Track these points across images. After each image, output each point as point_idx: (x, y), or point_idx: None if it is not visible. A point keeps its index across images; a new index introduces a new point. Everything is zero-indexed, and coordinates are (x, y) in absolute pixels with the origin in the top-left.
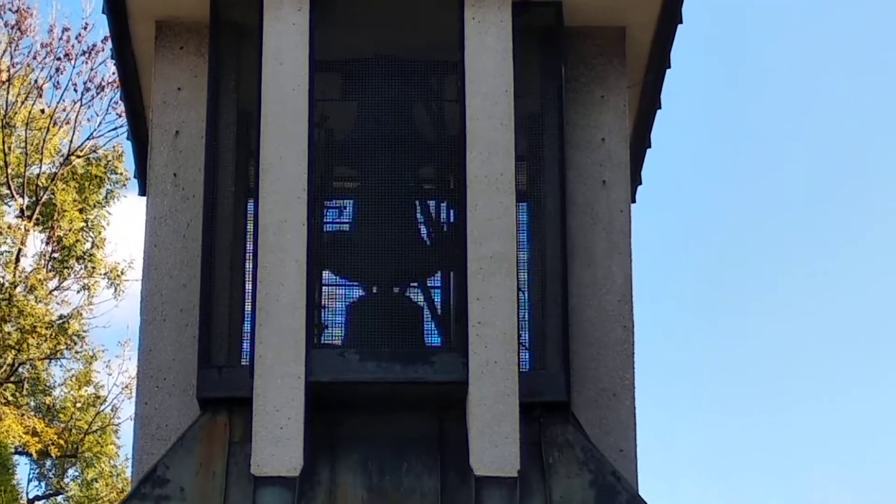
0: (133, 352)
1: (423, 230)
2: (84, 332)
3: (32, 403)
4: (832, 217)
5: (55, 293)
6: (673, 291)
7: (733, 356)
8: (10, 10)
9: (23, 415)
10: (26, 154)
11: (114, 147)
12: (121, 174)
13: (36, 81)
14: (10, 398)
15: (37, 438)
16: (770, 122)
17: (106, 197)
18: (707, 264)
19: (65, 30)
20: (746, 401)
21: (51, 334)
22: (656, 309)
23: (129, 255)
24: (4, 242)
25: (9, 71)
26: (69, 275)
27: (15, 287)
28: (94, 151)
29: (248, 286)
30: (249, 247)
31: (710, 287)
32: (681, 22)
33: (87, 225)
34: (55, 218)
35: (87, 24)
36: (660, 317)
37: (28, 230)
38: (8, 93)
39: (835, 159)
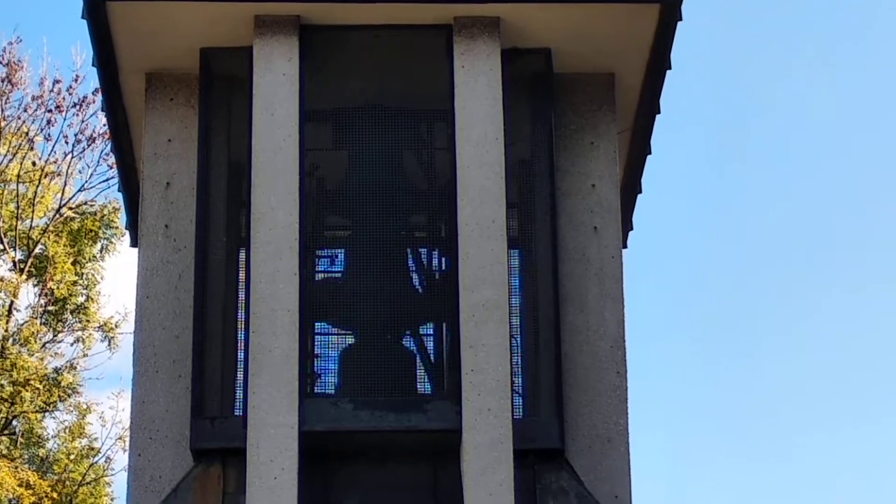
0: (127, 403)
1: (415, 278)
2: (78, 384)
3: (26, 456)
4: (827, 258)
5: (49, 346)
6: (666, 336)
7: (730, 399)
8: (0, 63)
9: (16, 467)
10: (18, 207)
11: (109, 201)
12: (116, 228)
13: (28, 134)
14: (4, 451)
15: (31, 491)
16: (761, 167)
17: (101, 251)
18: (699, 309)
19: (56, 82)
20: (744, 444)
21: (44, 387)
22: (650, 354)
23: (123, 306)
24: None
25: (0, 124)
26: (62, 328)
27: (7, 340)
28: (87, 203)
29: (241, 336)
30: (242, 297)
31: (704, 331)
32: (669, 68)
33: (82, 279)
34: (48, 271)
35: (77, 76)
36: (653, 362)
37: (20, 283)
38: None
39: (828, 198)
